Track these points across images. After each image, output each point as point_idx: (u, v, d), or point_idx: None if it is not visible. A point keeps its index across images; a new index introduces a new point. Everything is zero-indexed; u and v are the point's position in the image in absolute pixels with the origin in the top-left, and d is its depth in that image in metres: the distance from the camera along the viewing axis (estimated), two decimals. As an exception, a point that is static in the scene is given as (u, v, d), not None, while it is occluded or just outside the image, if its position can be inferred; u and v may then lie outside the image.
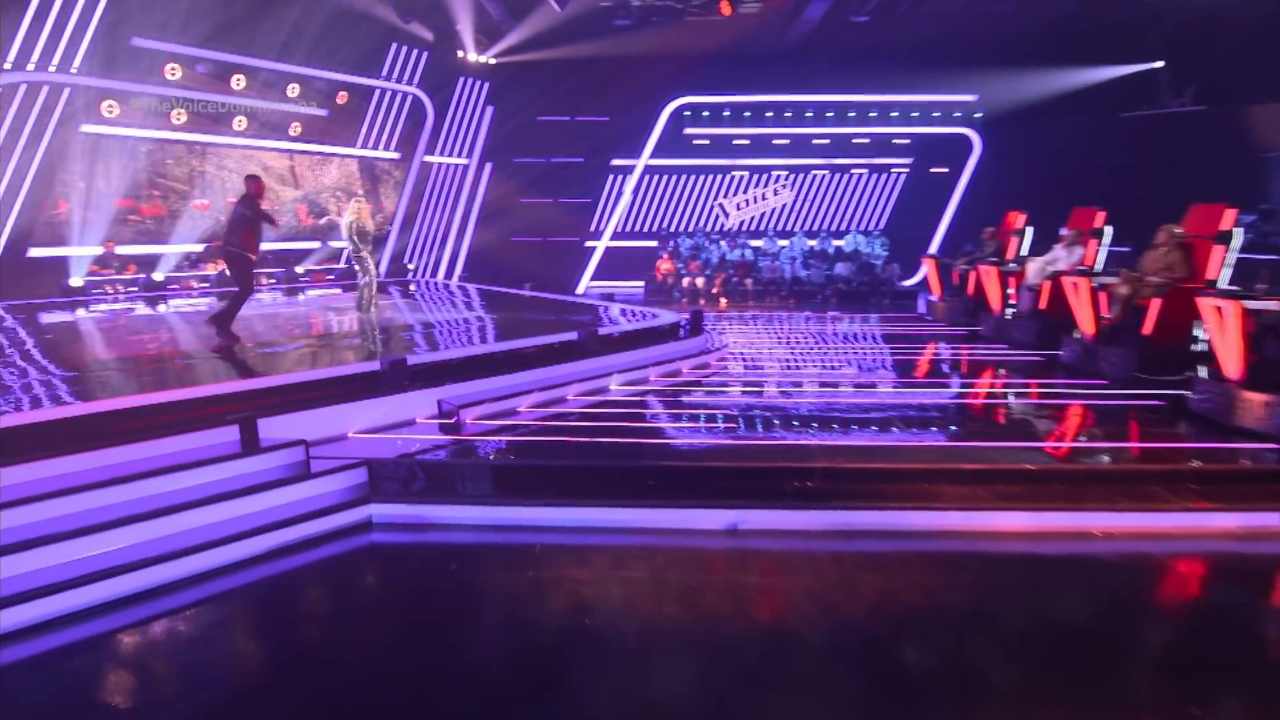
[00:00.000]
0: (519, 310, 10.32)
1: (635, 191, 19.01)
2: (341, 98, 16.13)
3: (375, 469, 4.77)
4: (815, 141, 18.64)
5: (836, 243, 18.10)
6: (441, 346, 7.35)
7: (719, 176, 18.99)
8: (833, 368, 7.92)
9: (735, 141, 18.74)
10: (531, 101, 18.65)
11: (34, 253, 12.29)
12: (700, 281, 16.67)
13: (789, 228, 18.87)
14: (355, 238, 8.87)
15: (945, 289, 12.13)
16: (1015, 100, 17.16)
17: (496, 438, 5.34)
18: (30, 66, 12.01)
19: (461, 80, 18.47)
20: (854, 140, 18.57)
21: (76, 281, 11.95)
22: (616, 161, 19.12)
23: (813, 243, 18.09)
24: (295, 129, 15.48)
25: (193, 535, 3.98)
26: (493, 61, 18.58)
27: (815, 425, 5.55)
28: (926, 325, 11.54)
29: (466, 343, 7.67)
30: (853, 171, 18.77)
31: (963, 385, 7.52)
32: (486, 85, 18.94)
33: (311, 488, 4.52)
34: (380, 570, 4.20)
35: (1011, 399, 6.71)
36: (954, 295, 11.69)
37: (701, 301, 16.33)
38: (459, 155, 18.77)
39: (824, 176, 18.80)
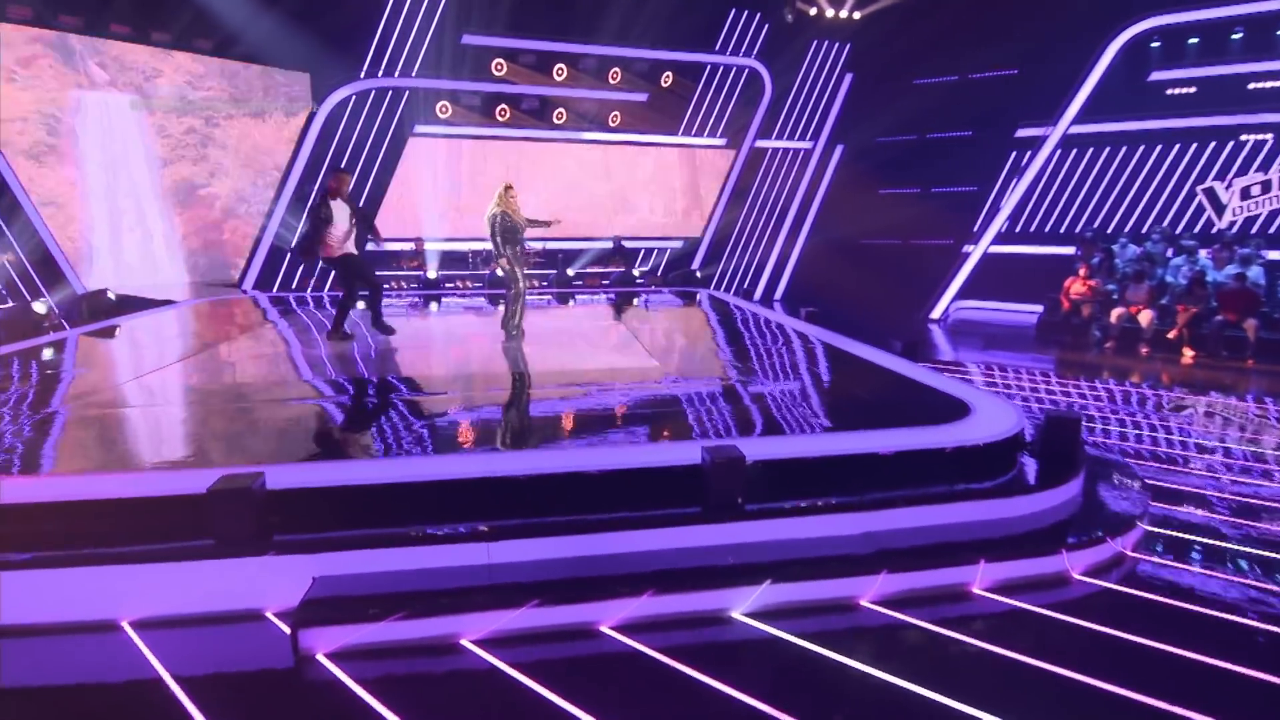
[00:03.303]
0: (751, 360, 6.59)
1: (1042, 172, 12.88)
2: (666, 79, 14.20)
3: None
4: None
5: None
6: (455, 444, 3.92)
7: (1208, 144, 11.55)
8: None
9: (1252, 85, 11.14)
10: (905, 60, 14.08)
11: (372, 247, 13.18)
12: (1146, 317, 10.08)
13: (1358, 229, 10.47)
14: (499, 237, 6.35)
15: None
16: None
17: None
18: (379, 72, 12.74)
19: (814, 45, 14.93)
20: None
21: (359, 278, 12.34)
22: (1023, 132, 13.25)
23: None
24: (614, 119, 14.08)
25: None
26: (856, 16, 14.53)
27: None
28: None
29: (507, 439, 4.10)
30: None
31: None
32: (847, 48, 15.02)
33: None
34: None
35: None
36: None
37: (1144, 350, 9.86)
38: (800, 138, 15.29)
39: None
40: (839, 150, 15.48)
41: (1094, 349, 10.27)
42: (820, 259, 15.07)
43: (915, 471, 3.41)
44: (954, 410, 4.04)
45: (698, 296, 11.44)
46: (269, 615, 2.85)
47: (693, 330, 8.58)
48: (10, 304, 7.79)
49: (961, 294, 13.36)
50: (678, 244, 14.82)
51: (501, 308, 7.16)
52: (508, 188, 6.57)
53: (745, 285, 15.18)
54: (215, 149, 13.27)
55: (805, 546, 3.05)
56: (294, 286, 12.84)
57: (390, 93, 12.81)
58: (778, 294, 15.41)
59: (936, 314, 13.18)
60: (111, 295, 8.67)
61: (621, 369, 5.91)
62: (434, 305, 10.84)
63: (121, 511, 2.88)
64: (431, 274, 12.25)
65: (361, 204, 13.05)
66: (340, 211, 6.21)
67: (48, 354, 6.48)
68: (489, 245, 6.65)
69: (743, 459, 3.05)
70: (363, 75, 12.65)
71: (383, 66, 12.72)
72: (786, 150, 15.30)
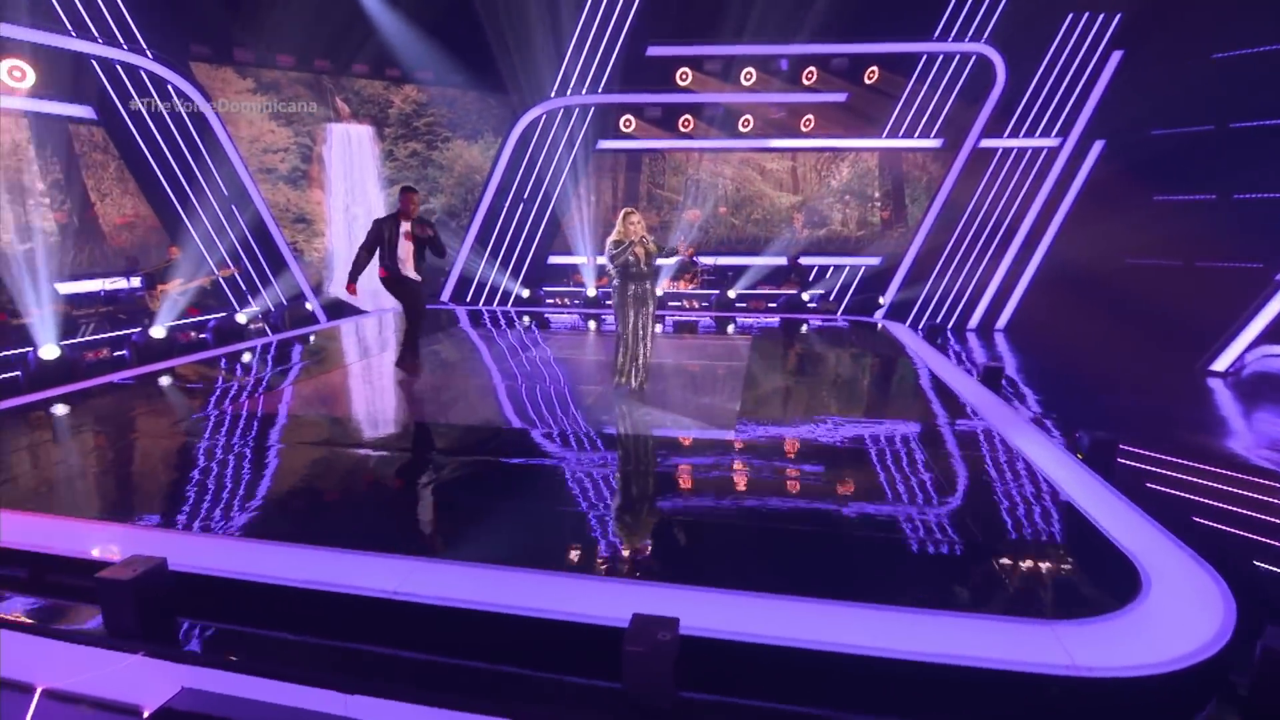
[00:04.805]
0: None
1: None
2: (871, 75, 12.54)
3: None
4: None
5: None
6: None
7: None
8: None
9: None
10: (1199, 28, 10.86)
11: (553, 260, 13.49)
12: None
13: None
14: (617, 270, 5.49)
15: None
16: None
17: None
18: (568, 91, 12.95)
19: (1069, 19, 12.17)
20: None
21: (524, 292, 12.47)
22: (1391, 114, 9.42)
23: None
24: (807, 123, 12.79)
25: None
26: (1137, -22, 11.53)
27: None
28: None
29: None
30: None
31: None
32: (1115, 19, 12.02)
33: None
34: None
35: None
36: None
37: None
38: (1043, 134, 12.57)
39: None
40: (1097, 147, 12.44)
41: None
42: (1062, 283, 12.22)
43: (993, 700, 2.10)
44: (1114, 582, 2.54)
45: (879, 327, 9.82)
46: (145, 714, 2.58)
47: (824, 382, 7.00)
48: (223, 313, 9.13)
49: (1266, 336, 9.86)
50: (874, 262, 13.04)
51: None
52: (627, 214, 5.76)
53: (942, 318, 12.77)
54: (434, 169, 14.60)
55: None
56: (482, 301, 13.48)
57: (576, 110, 12.96)
58: (1000, 324, 12.84)
59: (1223, 364, 9.87)
60: (309, 306, 9.73)
61: (685, 441, 4.76)
62: (592, 324, 10.56)
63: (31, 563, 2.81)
64: (591, 291, 12.13)
65: (545, 221, 13.46)
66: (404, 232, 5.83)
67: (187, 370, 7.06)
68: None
69: (676, 640, 2.07)
70: (553, 94, 12.95)
71: (571, 85, 12.90)
72: (1023, 150, 12.68)
